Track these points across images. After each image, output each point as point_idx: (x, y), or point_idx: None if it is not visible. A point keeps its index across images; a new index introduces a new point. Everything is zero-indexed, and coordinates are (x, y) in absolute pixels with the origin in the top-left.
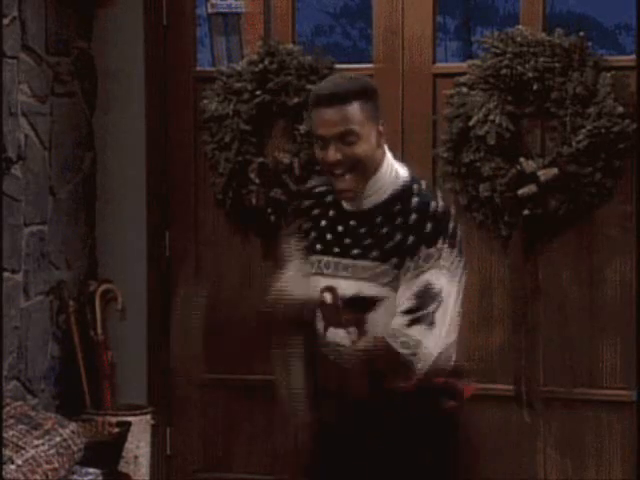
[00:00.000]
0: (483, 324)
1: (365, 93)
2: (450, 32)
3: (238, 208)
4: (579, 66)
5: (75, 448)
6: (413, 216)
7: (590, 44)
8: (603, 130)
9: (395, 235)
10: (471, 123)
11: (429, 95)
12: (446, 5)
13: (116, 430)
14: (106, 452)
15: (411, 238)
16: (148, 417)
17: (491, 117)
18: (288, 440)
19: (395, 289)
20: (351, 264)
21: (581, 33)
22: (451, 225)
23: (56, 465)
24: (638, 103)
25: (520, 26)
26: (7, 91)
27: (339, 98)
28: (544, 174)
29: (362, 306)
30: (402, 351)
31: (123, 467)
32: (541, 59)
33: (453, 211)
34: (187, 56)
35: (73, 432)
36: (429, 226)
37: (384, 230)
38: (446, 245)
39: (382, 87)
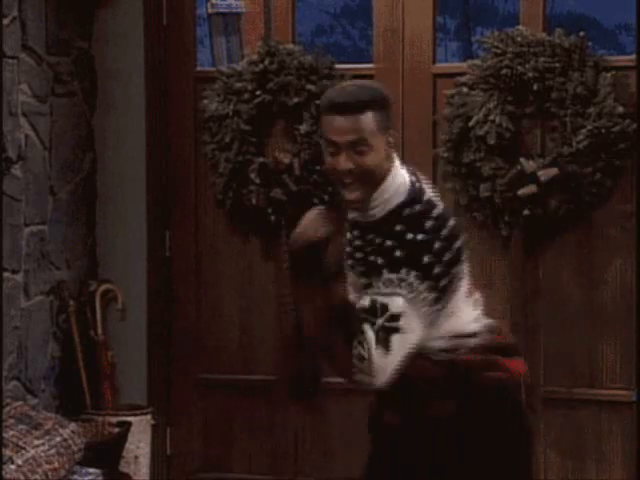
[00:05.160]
0: None
1: (379, 103)
2: (450, 32)
3: (238, 208)
4: (579, 66)
5: (75, 448)
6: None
7: (590, 44)
8: (603, 130)
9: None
10: (471, 123)
11: (429, 95)
12: (446, 5)
13: (116, 430)
14: (106, 452)
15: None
16: (148, 417)
17: (491, 117)
18: (288, 440)
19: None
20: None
21: (581, 33)
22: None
23: (56, 465)
24: (638, 103)
25: (520, 26)
26: (7, 91)
27: (354, 107)
28: (544, 174)
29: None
30: None
31: (123, 467)
32: (541, 59)
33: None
34: (187, 56)
35: (73, 432)
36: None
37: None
38: None
39: None
